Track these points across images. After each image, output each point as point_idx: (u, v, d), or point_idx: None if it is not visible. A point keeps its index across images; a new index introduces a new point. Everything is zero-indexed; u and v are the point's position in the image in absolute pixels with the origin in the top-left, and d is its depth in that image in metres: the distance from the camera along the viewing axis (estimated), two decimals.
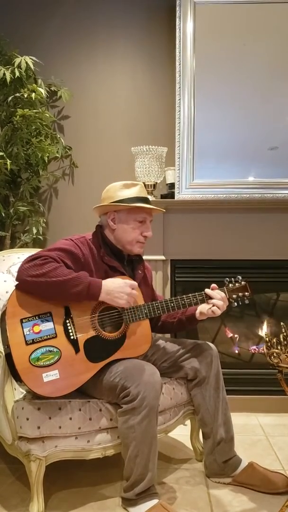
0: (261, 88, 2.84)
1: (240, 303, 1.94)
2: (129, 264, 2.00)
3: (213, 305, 1.87)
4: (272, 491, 1.87)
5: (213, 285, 1.93)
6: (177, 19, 2.85)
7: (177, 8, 2.85)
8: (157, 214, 2.66)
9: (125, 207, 1.88)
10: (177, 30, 2.85)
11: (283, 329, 1.73)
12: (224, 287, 1.94)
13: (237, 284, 1.95)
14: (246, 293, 1.94)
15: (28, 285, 1.69)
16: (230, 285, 1.95)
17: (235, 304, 1.94)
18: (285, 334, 1.70)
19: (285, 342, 1.69)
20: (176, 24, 2.86)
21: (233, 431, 2.00)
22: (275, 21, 2.83)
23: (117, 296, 1.75)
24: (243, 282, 1.95)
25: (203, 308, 1.91)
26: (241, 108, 2.84)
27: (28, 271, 1.68)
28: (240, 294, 1.93)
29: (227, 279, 1.96)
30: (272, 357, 1.68)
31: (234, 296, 1.93)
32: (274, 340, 1.70)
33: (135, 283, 1.83)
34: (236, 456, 1.98)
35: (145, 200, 1.92)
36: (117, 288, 1.76)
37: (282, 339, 1.70)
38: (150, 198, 2.72)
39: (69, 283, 1.68)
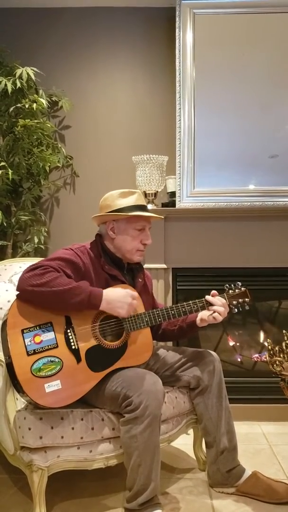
0: (261, 97, 2.85)
1: (241, 309, 1.94)
2: (129, 272, 1.99)
3: (214, 312, 1.87)
4: (276, 501, 1.85)
5: (214, 291, 1.93)
6: (177, 29, 2.87)
7: (177, 18, 2.87)
8: (158, 222, 2.69)
9: (123, 216, 1.88)
10: (177, 40, 2.88)
11: (285, 337, 1.72)
12: (224, 294, 1.94)
13: (237, 290, 1.95)
14: (246, 299, 1.94)
15: (29, 294, 1.69)
16: (230, 291, 1.95)
17: (236, 310, 1.94)
18: (287, 342, 1.70)
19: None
20: (176, 34, 2.88)
21: (236, 440, 1.98)
22: (274, 30, 2.85)
23: (118, 306, 1.75)
24: (242, 288, 1.96)
25: (203, 314, 1.90)
26: (241, 117, 2.85)
27: (29, 281, 1.68)
28: (240, 300, 1.94)
29: (227, 285, 1.97)
30: (275, 365, 1.68)
31: (234, 302, 1.93)
32: (277, 348, 1.70)
33: (136, 294, 1.83)
34: (240, 465, 1.97)
35: (143, 208, 1.92)
36: (118, 298, 1.76)
37: (284, 347, 1.69)
38: (150, 206, 2.74)
39: (70, 293, 1.68)
